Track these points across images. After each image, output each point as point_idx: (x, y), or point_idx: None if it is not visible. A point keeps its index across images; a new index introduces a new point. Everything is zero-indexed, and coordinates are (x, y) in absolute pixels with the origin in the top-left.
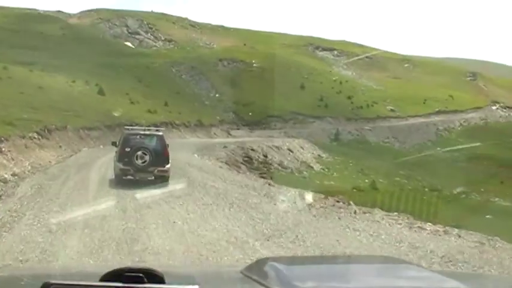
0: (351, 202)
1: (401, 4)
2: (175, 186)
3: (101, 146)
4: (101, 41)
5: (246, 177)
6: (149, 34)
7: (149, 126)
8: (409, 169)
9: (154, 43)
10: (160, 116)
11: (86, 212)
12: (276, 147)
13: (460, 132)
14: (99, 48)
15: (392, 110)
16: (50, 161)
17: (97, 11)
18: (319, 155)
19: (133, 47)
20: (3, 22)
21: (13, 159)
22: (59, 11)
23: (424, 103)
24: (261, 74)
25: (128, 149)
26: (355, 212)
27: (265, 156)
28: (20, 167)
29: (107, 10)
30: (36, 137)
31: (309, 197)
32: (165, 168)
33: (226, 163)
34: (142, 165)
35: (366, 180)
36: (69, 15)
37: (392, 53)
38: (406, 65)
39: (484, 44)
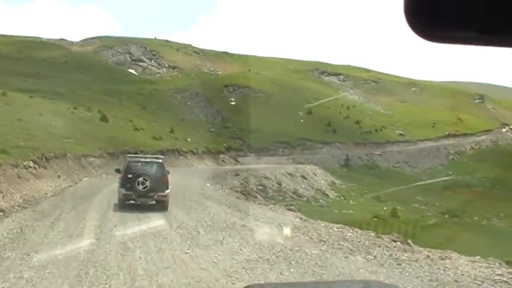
0: (410, 242)
1: (405, 29)
2: (198, 228)
3: (104, 175)
4: (104, 68)
5: (272, 210)
6: (153, 61)
7: (155, 153)
8: (424, 194)
9: (158, 70)
10: (166, 143)
11: (73, 281)
12: (289, 174)
13: (471, 156)
14: (102, 75)
15: (401, 134)
16: (45, 193)
17: (100, 38)
18: (332, 182)
19: (136, 74)
20: (5, 50)
21: (1, 192)
22: (61, 39)
23: (433, 126)
24: (267, 100)
25: (130, 176)
26: (429, 258)
27: (279, 184)
28: (9, 201)
29: (110, 37)
30: (31, 165)
31: (364, 237)
32: (164, 193)
33: (241, 193)
34: (143, 191)
35: (385, 208)
36: (72, 43)
37: (398, 77)
38: (413, 89)
39: (489, 67)
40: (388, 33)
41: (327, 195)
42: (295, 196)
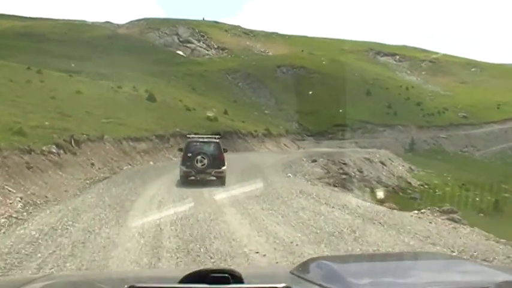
0: None
1: (460, 8)
2: None
3: (151, 163)
4: (151, 49)
5: (431, 221)
6: (201, 42)
7: (211, 135)
8: (506, 182)
9: (206, 51)
10: (221, 124)
11: None
12: (367, 159)
13: None
14: (148, 56)
15: (464, 117)
16: (65, 190)
17: (146, 20)
18: (410, 168)
19: (184, 55)
20: (51, 33)
21: None
22: (107, 22)
23: (498, 108)
24: (323, 81)
25: (189, 154)
26: None
27: (361, 171)
28: None
29: (157, 19)
30: (54, 151)
31: None
32: (221, 170)
33: (334, 185)
34: (201, 168)
35: (477, 199)
36: (118, 26)
37: (456, 57)
38: (472, 69)
39: None
40: (444, 13)
41: (410, 183)
42: (379, 185)
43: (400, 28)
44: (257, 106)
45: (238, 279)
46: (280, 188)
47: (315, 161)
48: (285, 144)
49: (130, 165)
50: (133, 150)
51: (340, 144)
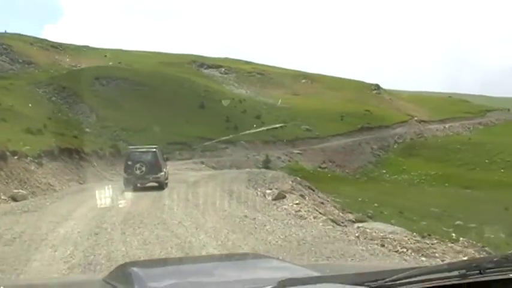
0: None
1: (280, 21)
2: None
3: None
4: None
5: None
6: (4, 56)
7: (39, 154)
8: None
9: (10, 66)
10: (50, 138)
11: None
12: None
13: (398, 151)
14: None
15: (308, 130)
16: None
17: None
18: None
19: None
20: None
21: None
22: None
23: (341, 120)
24: (151, 94)
25: (130, 163)
26: None
27: None
28: None
29: None
30: None
31: None
32: (158, 175)
33: None
34: (140, 174)
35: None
36: None
37: (284, 69)
38: (303, 81)
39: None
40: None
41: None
42: None
43: (219, 40)
44: (76, 123)
45: None
46: None
47: (283, 197)
48: None
49: None
50: None
51: (186, 165)
